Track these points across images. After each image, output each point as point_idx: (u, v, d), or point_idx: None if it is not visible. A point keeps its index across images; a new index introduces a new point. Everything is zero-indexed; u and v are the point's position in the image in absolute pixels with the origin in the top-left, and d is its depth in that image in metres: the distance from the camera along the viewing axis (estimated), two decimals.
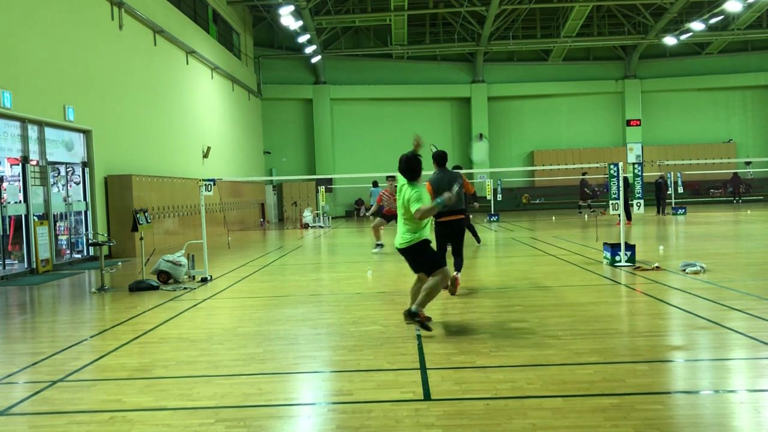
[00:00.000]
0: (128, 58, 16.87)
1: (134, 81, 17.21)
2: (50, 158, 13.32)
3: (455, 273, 8.34)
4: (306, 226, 24.25)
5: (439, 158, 8.44)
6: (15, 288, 10.58)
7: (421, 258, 6.20)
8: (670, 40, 30.70)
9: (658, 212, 23.12)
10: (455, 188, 7.57)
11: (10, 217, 12.19)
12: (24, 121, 12.40)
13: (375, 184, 22.85)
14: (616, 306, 7.26)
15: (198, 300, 8.51)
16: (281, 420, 3.97)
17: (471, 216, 14.12)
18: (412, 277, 10.26)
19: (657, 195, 23.28)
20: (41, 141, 12.98)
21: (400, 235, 6.18)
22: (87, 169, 14.78)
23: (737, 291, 7.59)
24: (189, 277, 10.35)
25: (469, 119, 34.17)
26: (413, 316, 5.94)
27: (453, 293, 8.08)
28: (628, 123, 34.47)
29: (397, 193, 6.29)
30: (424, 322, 5.91)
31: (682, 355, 5.16)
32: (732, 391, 4.21)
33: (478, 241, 14.80)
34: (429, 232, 6.25)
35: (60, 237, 13.93)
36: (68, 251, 14.21)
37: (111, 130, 15.68)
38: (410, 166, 6.18)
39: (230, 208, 23.32)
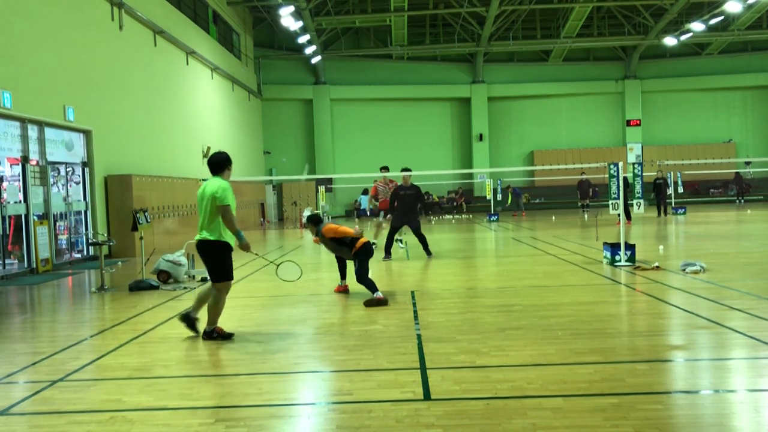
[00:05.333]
0: (128, 58, 16.87)
1: (134, 81, 17.21)
2: (50, 158, 13.32)
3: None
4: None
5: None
6: (15, 288, 10.58)
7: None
8: (670, 41, 30.70)
9: (659, 214, 22.76)
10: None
11: (10, 216, 12.19)
12: (24, 121, 12.40)
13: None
14: (616, 306, 7.26)
15: None
16: (281, 420, 3.97)
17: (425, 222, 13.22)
18: (410, 277, 10.25)
19: (657, 196, 22.84)
20: (41, 141, 12.97)
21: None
22: (87, 169, 14.78)
23: (737, 291, 7.59)
24: (189, 276, 10.35)
25: (469, 119, 34.18)
26: (210, 335, 6.03)
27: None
28: (628, 123, 34.47)
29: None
30: (222, 334, 6.05)
31: (682, 355, 5.16)
32: (732, 391, 4.21)
33: (428, 254, 12.62)
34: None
35: (60, 237, 13.92)
36: (68, 251, 14.20)
37: (111, 130, 15.68)
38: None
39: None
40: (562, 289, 8.31)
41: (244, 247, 6.10)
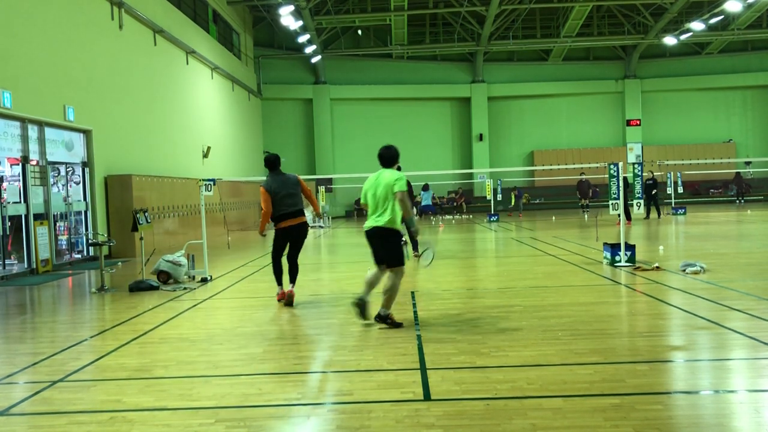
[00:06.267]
0: (128, 58, 16.87)
1: (134, 81, 17.20)
2: (50, 158, 13.32)
3: (290, 285, 7.80)
4: None
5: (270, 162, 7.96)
6: (15, 288, 10.58)
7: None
8: (670, 40, 30.70)
9: (648, 216, 21.61)
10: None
11: (10, 217, 12.18)
12: (24, 121, 12.40)
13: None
14: (616, 306, 7.26)
15: (198, 300, 8.51)
16: (281, 420, 3.97)
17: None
18: (410, 277, 10.27)
19: (647, 197, 21.81)
20: (41, 141, 12.97)
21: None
22: (87, 169, 14.78)
23: (737, 291, 7.59)
24: (189, 277, 10.35)
25: (469, 119, 34.17)
26: (384, 320, 6.25)
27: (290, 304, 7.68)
28: (628, 123, 34.45)
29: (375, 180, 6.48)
30: (394, 322, 6.24)
31: (682, 355, 5.16)
32: (732, 391, 4.21)
33: (416, 251, 12.07)
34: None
35: (60, 237, 13.92)
36: (68, 252, 14.20)
37: (111, 130, 15.67)
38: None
39: (230, 208, 23.32)
40: (562, 289, 8.30)
41: (415, 232, 6.39)
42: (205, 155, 22.71)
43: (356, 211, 32.37)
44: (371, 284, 6.48)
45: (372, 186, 6.42)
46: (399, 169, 13.40)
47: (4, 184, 12.17)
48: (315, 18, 27.95)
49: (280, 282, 7.88)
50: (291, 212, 7.70)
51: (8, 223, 12.10)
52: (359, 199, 33.41)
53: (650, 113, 34.73)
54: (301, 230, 7.81)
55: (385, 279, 6.34)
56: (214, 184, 10.27)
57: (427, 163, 32.21)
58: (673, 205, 24.44)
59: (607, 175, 10.83)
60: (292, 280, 7.82)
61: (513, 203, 28.92)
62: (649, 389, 4.20)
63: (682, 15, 30.69)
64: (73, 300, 9.42)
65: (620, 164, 10.79)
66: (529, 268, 10.56)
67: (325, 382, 4.75)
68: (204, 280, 10.15)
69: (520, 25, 31.93)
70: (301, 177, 8.09)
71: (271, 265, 7.88)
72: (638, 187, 11.96)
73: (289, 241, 7.84)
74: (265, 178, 7.95)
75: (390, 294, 6.24)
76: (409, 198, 7.07)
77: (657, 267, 9.60)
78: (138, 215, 10.26)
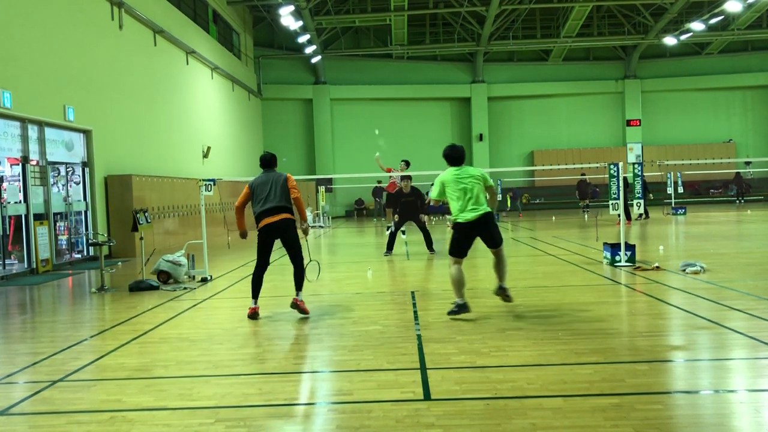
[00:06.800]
0: (128, 58, 16.86)
1: (134, 81, 17.20)
2: (50, 158, 13.32)
3: (296, 295, 7.09)
4: None
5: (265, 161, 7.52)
6: (15, 288, 10.58)
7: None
8: (670, 40, 30.70)
9: (648, 216, 21.29)
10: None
11: (10, 217, 12.18)
12: (24, 121, 12.40)
13: None
14: (616, 306, 7.26)
15: (198, 300, 8.51)
16: (281, 420, 3.97)
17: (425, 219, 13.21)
18: (410, 277, 10.28)
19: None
20: (41, 141, 12.97)
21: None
22: (87, 169, 14.78)
23: (737, 291, 7.59)
24: (189, 277, 10.35)
25: (469, 119, 34.16)
26: (505, 291, 6.91)
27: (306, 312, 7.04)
28: (628, 123, 34.44)
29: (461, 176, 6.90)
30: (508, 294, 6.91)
31: (682, 355, 5.16)
32: (732, 391, 4.21)
33: (431, 249, 13.15)
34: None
35: (60, 237, 13.92)
36: (68, 251, 14.20)
37: (111, 130, 15.67)
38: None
39: (230, 208, 23.29)
40: (562, 289, 8.31)
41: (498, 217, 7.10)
42: (205, 155, 22.70)
43: (356, 211, 32.37)
44: (461, 283, 6.69)
45: (454, 181, 6.79)
46: (408, 165, 14.31)
47: (4, 184, 12.17)
48: (315, 18, 27.95)
49: (253, 296, 7.13)
50: (269, 209, 7.03)
51: (9, 222, 12.11)
52: (359, 200, 33.36)
53: (650, 113, 34.73)
54: (283, 228, 7.07)
55: (500, 256, 6.83)
56: (214, 184, 10.28)
57: (427, 163, 31.97)
58: (673, 205, 24.43)
59: (607, 175, 10.83)
60: (298, 286, 7.13)
61: (509, 206, 28.96)
62: (649, 389, 4.20)
63: (682, 15, 30.69)
64: (73, 300, 9.42)
65: (620, 164, 10.79)
66: (529, 268, 10.56)
67: (325, 382, 4.75)
68: (204, 280, 10.15)
69: (520, 25, 31.93)
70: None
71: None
72: (638, 187, 11.96)
73: (273, 243, 7.20)
74: None
75: (505, 268, 6.87)
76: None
77: (657, 267, 9.60)
78: (138, 215, 10.26)
